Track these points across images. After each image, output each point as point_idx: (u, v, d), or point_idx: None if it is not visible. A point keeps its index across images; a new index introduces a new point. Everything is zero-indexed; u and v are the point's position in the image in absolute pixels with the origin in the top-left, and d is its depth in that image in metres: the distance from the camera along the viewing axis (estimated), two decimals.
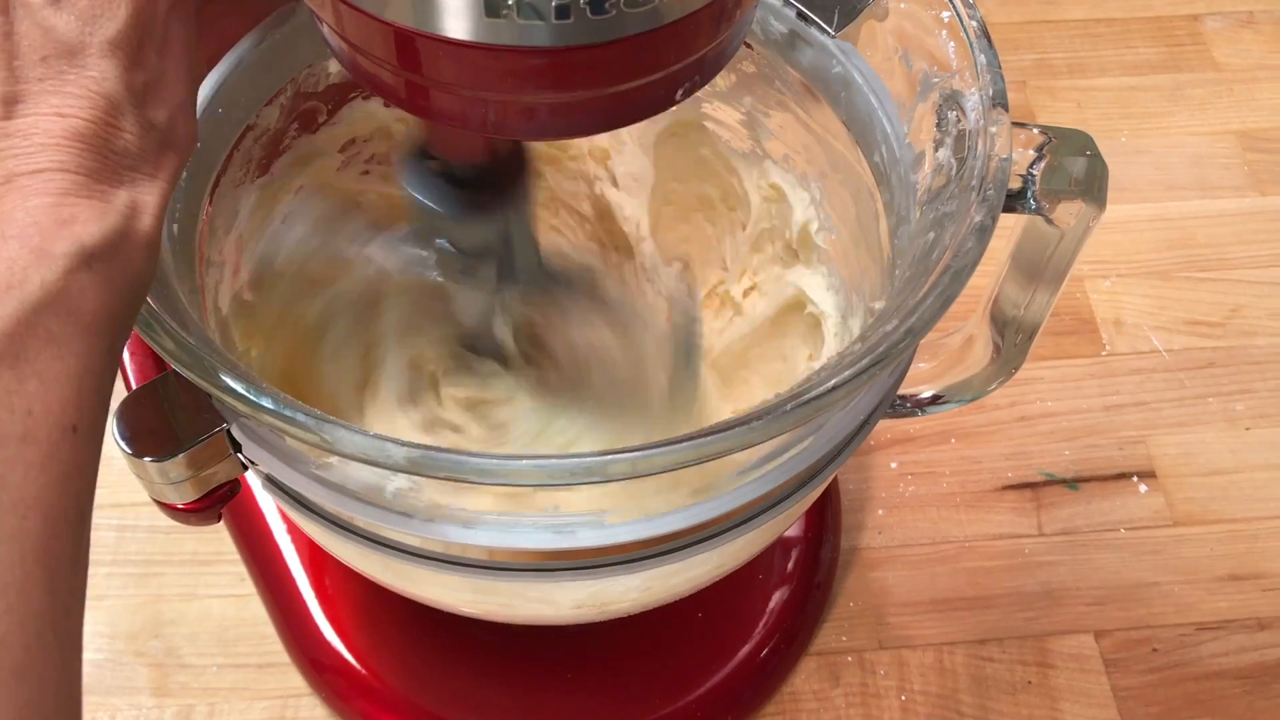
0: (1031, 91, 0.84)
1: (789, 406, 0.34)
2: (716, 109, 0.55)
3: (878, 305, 0.46)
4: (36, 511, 0.28)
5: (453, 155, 0.44)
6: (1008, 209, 0.39)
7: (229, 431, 0.38)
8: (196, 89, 0.33)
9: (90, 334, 0.29)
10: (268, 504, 0.61)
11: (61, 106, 0.29)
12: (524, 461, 0.33)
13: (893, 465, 0.68)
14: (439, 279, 0.51)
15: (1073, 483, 0.68)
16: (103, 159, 0.30)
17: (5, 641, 0.27)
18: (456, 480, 0.33)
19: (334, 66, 0.50)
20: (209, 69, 0.45)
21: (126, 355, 0.64)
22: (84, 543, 0.30)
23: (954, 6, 0.42)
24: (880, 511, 0.67)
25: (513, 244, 0.48)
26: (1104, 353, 0.73)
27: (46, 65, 0.29)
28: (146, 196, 0.31)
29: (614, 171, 0.58)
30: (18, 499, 0.27)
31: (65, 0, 0.29)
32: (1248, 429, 0.70)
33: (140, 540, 0.64)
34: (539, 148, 0.55)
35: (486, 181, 0.45)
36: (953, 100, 0.42)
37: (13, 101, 0.29)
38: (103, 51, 0.30)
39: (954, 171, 0.40)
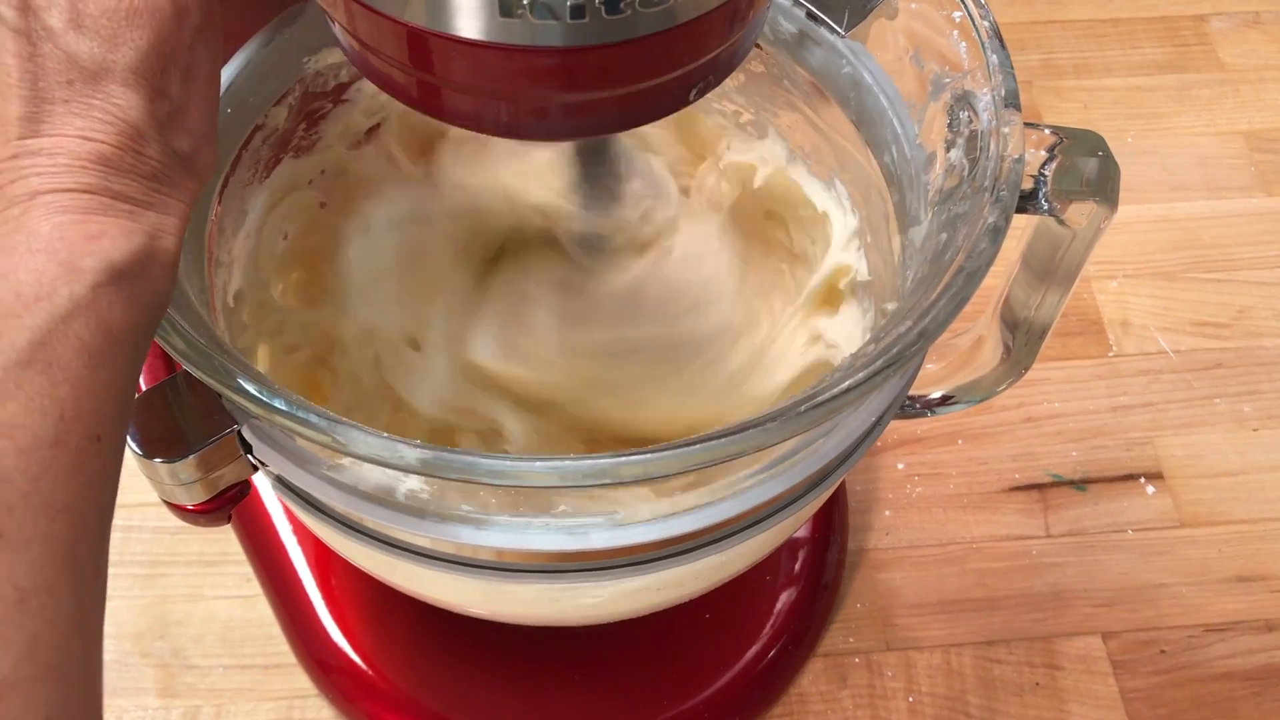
0: (1038, 92, 0.84)
1: (802, 408, 0.34)
2: (725, 108, 0.55)
3: (889, 306, 0.45)
4: (65, 516, 0.28)
5: None
6: (1019, 210, 0.39)
7: (239, 433, 0.38)
8: (217, 115, 0.33)
9: (117, 346, 0.29)
10: (274, 504, 0.61)
11: (87, 130, 0.29)
12: (537, 463, 0.33)
13: (900, 466, 0.68)
14: None
15: (1080, 484, 0.68)
16: (127, 182, 0.30)
17: (39, 641, 0.27)
18: (469, 482, 0.33)
19: (340, 63, 0.50)
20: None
21: None
22: (104, 550, 0.30)
23: (965, 6, 0.42)
24: (887, 513, 0.66)
25: None
26: (1111, 354, 0.73)
27: (71, 89, 0.29)
28: (169, 218, 0.31)
29: None
30: (49, 502, 0.28)
31: (86, 25, 0.29)
32: (1255, 430, 0.70)
33: (146, 541, 0.64)
34: None
35: None
36: (964, 100, 0.42)
37: (37, 121, 0.29)
38: (125, 80, 0.30)
39: (966, 172, 0.40)
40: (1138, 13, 0.89)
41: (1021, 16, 0.88)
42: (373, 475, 0.38)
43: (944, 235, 0.40)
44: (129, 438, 0.37)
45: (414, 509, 0.38)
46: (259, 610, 0.62)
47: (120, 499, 0.66)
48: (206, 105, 0.32)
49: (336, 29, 0.35)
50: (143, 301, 0.30)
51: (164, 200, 0.31)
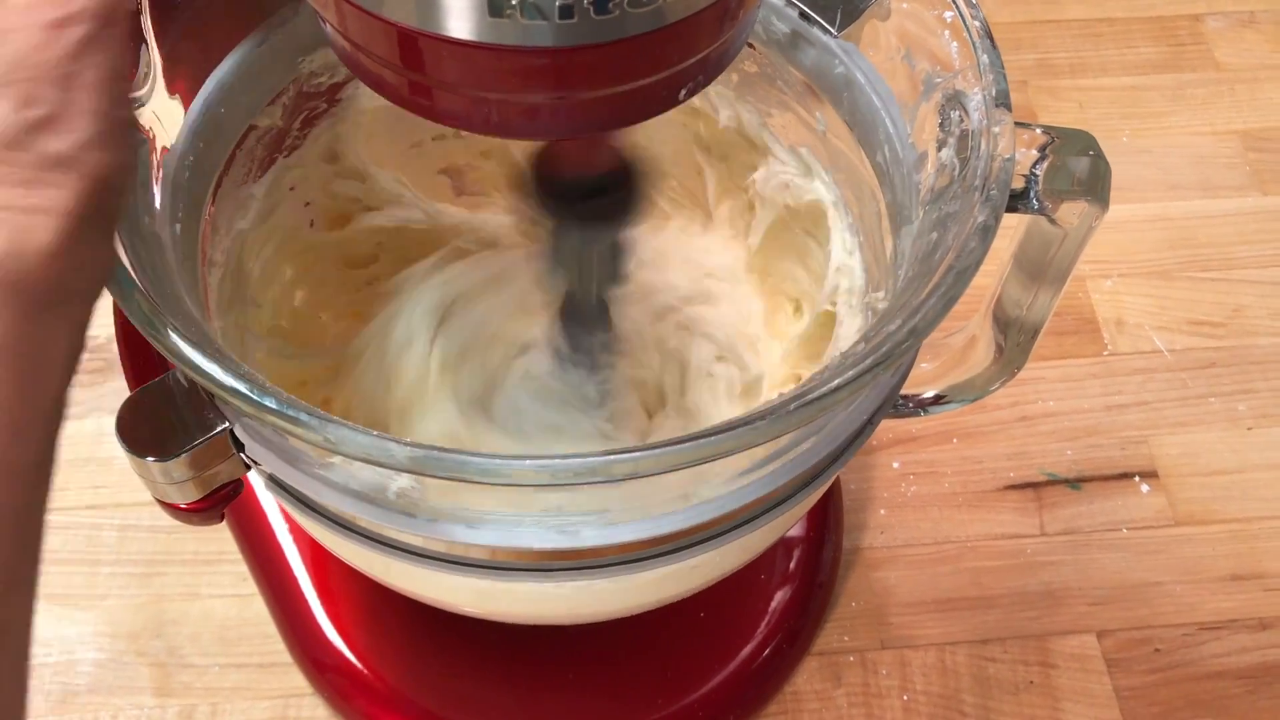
0: (1033, 91, 0.84)
1: (792, 406, 0.34)
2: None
3: (881, 305, 0.46)
4: None
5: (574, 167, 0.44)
6: (1010, 209, 0.39)
7: (231, 431, 0.38)
8: (118, 116, 0.33)
9: None
10: (269, 503, 0.61)
11: None
12: (527, 462, 0.33)
13: (895, 465, 0.68)
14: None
15: (1075, 482, 0.68)
16: None
17: None
18: (459, 480, 0.33)
19: (333, 63, 0.50)
20: (209, 71, 0.45)
21: (130, 354, 0.64)
22: (27, 556, 0.30)
23: (957, 6, 0.42)
24: (882, 511, 0.67)
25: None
26: (1106, 352, 0.73)
27: None
28: (41, 217, 0.31)
29: None
30: None
31: None
32: (1249, 429, 0.70)
33: (142, 540, 0.64)
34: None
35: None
36: (956, 100, 0.42)
37: None
38: None
39: (957, 171, 0.40)
40: (1133, 12, 0.89)
41: (1017, 16, 0.89)
42: (364, 474, 0.38)
43: (935, 234, 0.40)
44: (122, 437, 0.37)
45: (405, 507, 0.38)
46: (255, 609, 0.62)
47: (116, 498, 0.67)
48: (94, 110, 0.32)
49: (328, 29, 0.35)
50: (20, 303, 0.30)
51: (38, 200, 0.31)
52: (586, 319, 0.50)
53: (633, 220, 0.44)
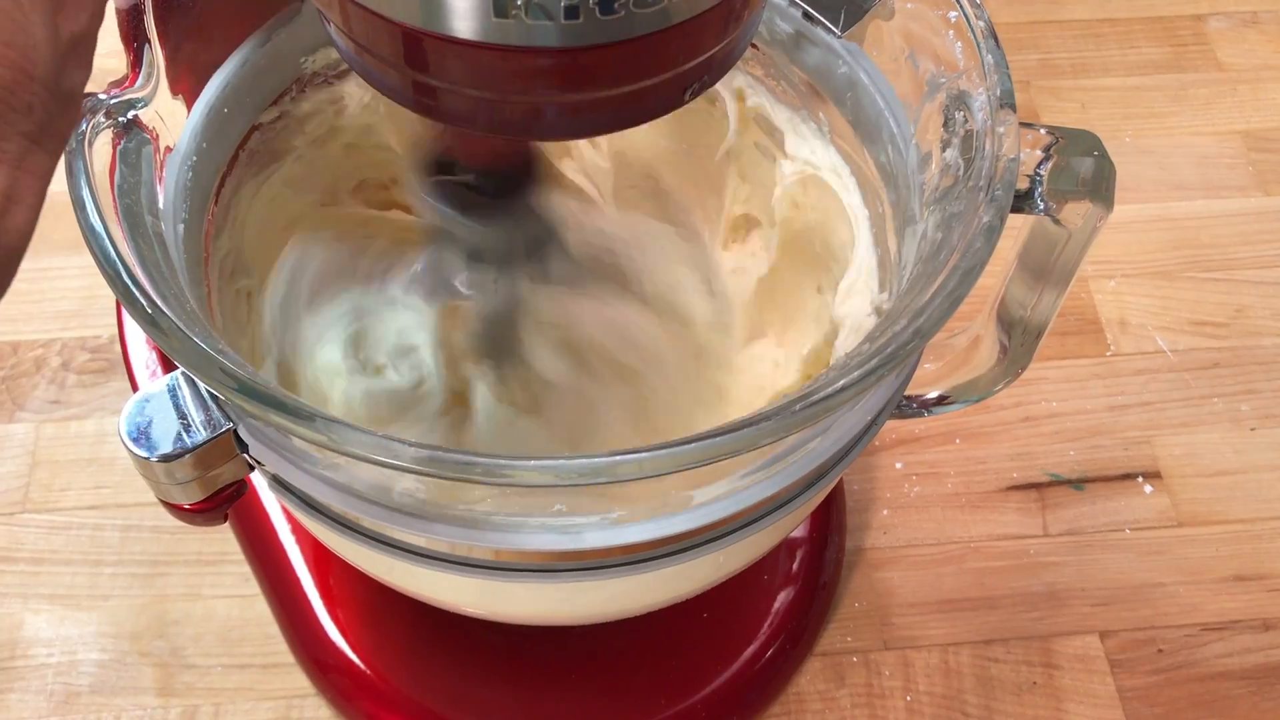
0: (1035, 92, 0.84)
1: (798, 407, 0.34)
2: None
3: (885, 305, 0.46)
4: None
5: (464, 158, 0.45)
6: (1015, 209, 0.39)
7: (235, 432, 0.38)
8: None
9: None
10: (272, 504, 0.61)
11: None
12: (532, 462, 0.33)
13: (898, 466, 0.68)
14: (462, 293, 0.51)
15: (1078, 483, 0.68)
16: None
17: None
18: (464, 481, 0.33)
19: (336, 62, 0.50)
20: (213, 71, 0.45)
21: (133, 354, 0.64)
22: None
23: (961, 6, 0.42)
24: (885, 512, 0.67)
25: (536, 238, 0.49)
26: (1109, 353, 0.73)
27: None
28: None
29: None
30: None
31: None
32: (1253, 429, 0.70)
33: (145, 540, 0.64)
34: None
35: (502, 181, 0.46)
36: (960, 100, 0.42)
37: None
38: None
39: (961, 172, 0.40)
40: (1135, 12, 0.89)
41: (1019, 17, 0.89)
42: (368, 474, 0.38)
43: (939, 235, 0.40)
44: (126, 437, 0.37)
45: (409, 508, 0.38)
46: (257, 610, 0.62)
47: (119, 499, 0.67)
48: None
49: (331, 29, 0.35)
50: None
51: None
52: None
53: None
